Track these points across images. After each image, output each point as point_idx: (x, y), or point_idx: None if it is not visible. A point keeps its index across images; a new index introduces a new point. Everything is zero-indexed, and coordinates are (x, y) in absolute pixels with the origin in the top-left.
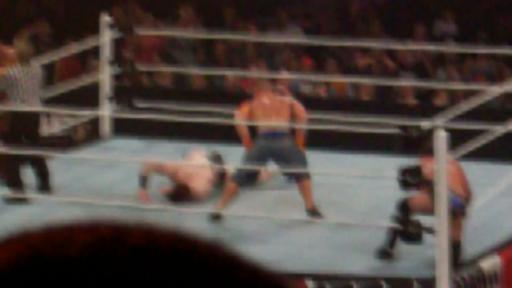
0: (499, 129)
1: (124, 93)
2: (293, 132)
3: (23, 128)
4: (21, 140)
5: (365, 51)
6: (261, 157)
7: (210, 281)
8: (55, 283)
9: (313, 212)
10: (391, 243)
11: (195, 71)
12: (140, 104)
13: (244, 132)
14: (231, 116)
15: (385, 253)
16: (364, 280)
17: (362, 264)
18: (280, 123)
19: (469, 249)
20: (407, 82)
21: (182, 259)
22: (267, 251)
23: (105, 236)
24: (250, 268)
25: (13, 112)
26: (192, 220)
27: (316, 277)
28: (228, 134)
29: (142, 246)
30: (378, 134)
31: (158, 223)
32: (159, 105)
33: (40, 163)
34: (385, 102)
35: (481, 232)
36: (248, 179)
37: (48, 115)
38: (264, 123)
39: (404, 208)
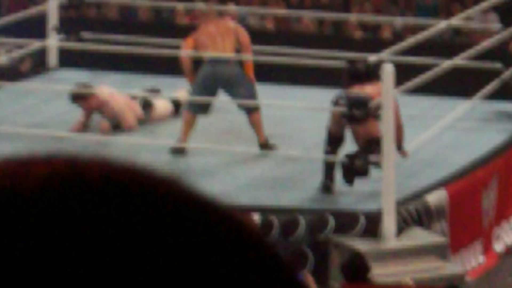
0: (447, 64)
1: (70, 24)
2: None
3: None
4: None
5: None
6: (207, 83)
7: (166, 215)
8: (7, 219)
9: (265, 145)
10: (331, 176)
11: (142, 3)
12: (87, 35)
13: (187, 66)
14: (177, 48)
15: (327, 187)
16: (310, 214)
17: (309, 197)
18: (226, 50)
19: (415, 183)
20: (354, 16)
21: (139, 194)
22: (214, 184)
23: (61, 170)
24: (206, 202)
25: None
26: (147, 153)
27: (263, 210)
28: (174, 66)
29: (99, 181)
30: (325, 67)
31: (115, 157)
32: (105, 37)
33: None
34: (332, 35)
35: (427, 166)
36: (201, 107)
37: None
38: (208, 50)
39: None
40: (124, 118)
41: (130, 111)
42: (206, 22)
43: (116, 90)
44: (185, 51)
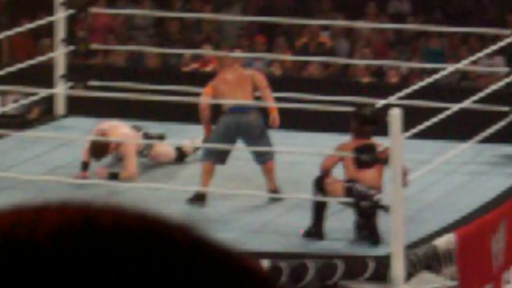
0: (454, 107)
1: (78, 72)
2: (259, 107)
3: None
4: None
5: (304, 29)
6: (229, 133)
7: (179, 263)
8: (21, 266)
9: (275, 193)
10: (317, 220)
11: (149, 50)
12: (94, 82)
13: (205, 115)
14: (186, 94)
15: (313, 232)
16: (319, 259)
17: (317, 243)
18: (245, 97)
19: (424, 227)
20: (360, 60)
21: (151, 241)
22: (224, 231)
23: (74, 218)
24: (218, 250)
25: None
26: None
27: (272, 256)
28: (183, 113)
29: (111, 229)
30: (332, 112)
31: (127, 204)
32: (113, 84)
33: None
34: (338, 80)
35: (435, 210)
36: (220, 156)
37: (1, 94)
38: (228, 98)
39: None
40: (129, 162)
41: (135, 157)
42: (223, 70)
43: (124, 125)
44: (205, 99)
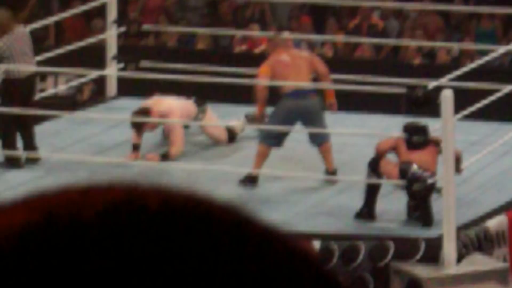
0: (506, 89)
1: (129, 53)
2: (316, 89)
3: (16, 91)
4: (14, 103)
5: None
6: (289, 117)
7: (226, 244)
8: (66, 249)
9: (333, 174)
10: (369, 202)
11: (200, 31)
12: (146, 64)
13: (262, 95)
14: (236, 76)
15: (365, 213)
16: (371, 241)
17: (369, 224)
18: (303, 80)
19: (475, 209)
20: (411, 41)
21: (197, 223)
22: (277, 212)
23: (119, 199)
24: (264, 230)
25: (5, 76)
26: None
27: (323, 237)
28: (233, 94)
29: (156, 210)
30: (384, 93)
31: (173, 185)
32: (164, 65)
33: (26, 127)
34: (389, 61)
35: (487, 191)
36: (277, 139)
37: (55, 75)
38: (288, 81)
39: (405, 170)
40: (175, 135)
41: (181, 128)
42: (277, 51)
43: (172, 99)
44: (263, 78)
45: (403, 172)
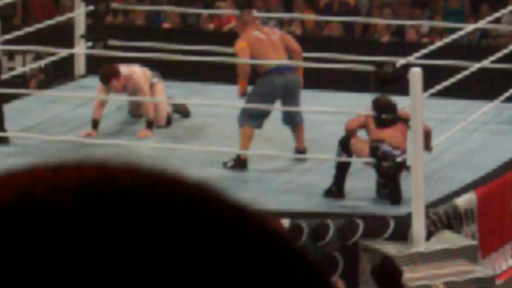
0: (475, 66)
1: (97, 32)
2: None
3: None
4: None
5: None
6: (274, 93)
7: (197, 221)
8: (38, 229)
9: (302, 153)
10: (339, 180)
11: (169, 9)
12: (114, 42)
13: (245, 73)
14: (204, 54)
15: (334, 191)
16: (340, 219)
17: (338, 202)
18: (282, 57)
19: (444, 186)
20: (380, 19)
21: (169, 200)
22: (246, 190)
23: (90, 177)
24: (235, 208)
25: None
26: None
27: (292, 215)
28: (202, 72)
29: (128, 188)
30: (353, 71)
31: (145, 162)
32: (132, 44)
33: None
34: (358, 39)
35: (455, 169)
36: (259, 120)
37: (23, 54)
38: (267, 58)
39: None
40: (143, 90)
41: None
42: (248, 29)
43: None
44: (244, 56)
45: (374, 150)
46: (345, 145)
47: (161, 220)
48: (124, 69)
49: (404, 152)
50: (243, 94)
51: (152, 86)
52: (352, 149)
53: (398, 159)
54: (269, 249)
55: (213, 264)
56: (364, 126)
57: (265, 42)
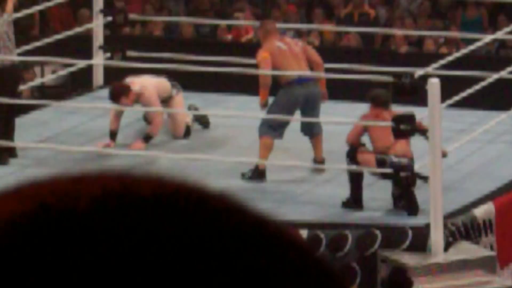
0: (492, 77)
1: (116, 43)
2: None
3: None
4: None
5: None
6: (294, 105)
7: (219, 231)
8: (59, 239)
9: (321, 164)
10: (355, 191)
11: (186, 20)
12: (132, 53)
13: (267, 83)
14: (222, 64)
15: (353, 202)
16: (358, 229)
17: (356, 213)
18: (304, 68)
19: (462, 197)
20: (398, 30)
21: (191, 211)
22: (265, 201)
23: (113, 188)
24: (257, 218)
25: None
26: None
27: (310, 226)
28: (220, 83)
29: (150, 199)
30: (371, 82)
31: (167, 174)
32: (150, 55)
33: (7, 119)
34: (375, 50)
35: (473, 179)
36: (279, 130)
37: (41, 65)
38: (289, 69)
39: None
40: (153, 113)
41: (157, 102)
42: (270, 38)
43: (145, 77)
44: (266, 66)
45: (381, 161)
46: (352, 157)
47: (181, 230)
48: (136, 84)
49: (411, 160)
50: (264, 104)
51: (171, 98)
52: (359, 160)
53: (415, 170)
54: (289, 258)
55: (234, 275)
56: (364, 133)
57: (287, 53)
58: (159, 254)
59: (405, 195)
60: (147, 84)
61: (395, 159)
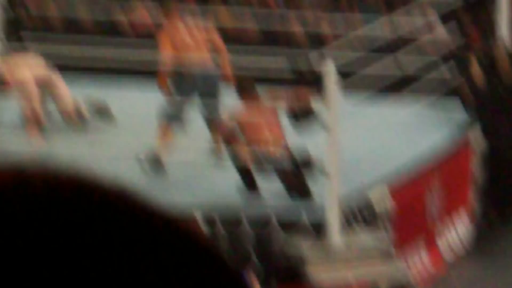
0: (390, 61)
1: (10, 25)
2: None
3: None
4: None
5: None
6: (196, 89)
7: (113, 226)
8: None
9: (219, 150)
10: (248, 180)
11: (85, 9)
12: (27, 35)
13: (168, 67)
14: (119, 48)
15: (249, 189)
16: (254, 216)
17: (252, 201)
18: (204, 52)
19: (359, 182)
20: (294, 12)
21: (84, 204)
22: (159, 184)
23: (4, 182)
24: (155, 213)
25: None
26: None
27: (205, 209)
28: (116, 67)
29: (43, 193)
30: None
31: (59, 166)
32: (46, 36)
33: None
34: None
35: (370, 165)
36: (180, 116)
37: None
38: (189, 53)
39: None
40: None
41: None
42: (171, 23)
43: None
44: (166, 52)
45: (254, 154)
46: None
47: (76, 225)
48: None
49: (284, 144)
50: (166, 89)
51: (48, 79)
52: (237, 152)
53: (310, 157)
54: (188, 251)
55: (122, 264)
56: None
57: (188, 37)
58: (51, 250)
59: (298, 182)
60: (26, 74)
61: (263, 151)
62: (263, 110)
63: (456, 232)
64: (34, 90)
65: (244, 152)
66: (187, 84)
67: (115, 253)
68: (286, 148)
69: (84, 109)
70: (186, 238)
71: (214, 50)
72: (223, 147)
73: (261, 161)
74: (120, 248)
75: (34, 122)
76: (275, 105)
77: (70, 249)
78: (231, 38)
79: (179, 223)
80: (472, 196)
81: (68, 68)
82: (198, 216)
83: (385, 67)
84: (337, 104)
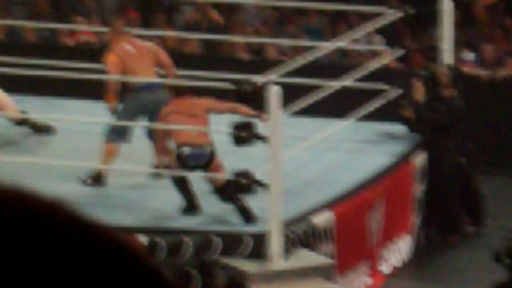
0: (333, 85)
1: None
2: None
3: None
4: None
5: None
6: (142, 111)
7: (51, 239)
8: None
9: (159, 168)
10: (188, 197)
11: (29, 25)
12: None
13: (115, 88)
14: (65, 69)
15: (191, 208)
16: (195, 235)
17: (195, 219)
18: (151, 72)
19: (301, 204)
20: (242, 37)
21: (22, 219)
22: (101, 207)
23: None
24: (91, 226)
25: None
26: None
27: (150, 232)
28: (63, 88)
29: None
30: (211, 88)
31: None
32: None
33: None
34: (216, 56)
35: (313, 187)
36: (124, 135)
37: None
38: (137, 74)
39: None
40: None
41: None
42: (119, 40)
43: None
44: (114, 71)
45: (179, 156)
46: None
47: (12, 241)
48: None
49: (210, 144)
50: (114, 110)
51: None
52: (172, 162)
53: (254, 176)
54: (124, 266)
55: (55, 279)
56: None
57: (135, 56)
58: None
59: (237, 202)
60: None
61: (190, 152)
62: (191, 104)
63: (399, 254)
64: None
65: (172, 159)
66: (137, 105)
67: (45, 267)
68: (211, 144)
69: (29, 122)
70: (124, 253)
71: (162, 67)
72: (161, 162)
73: (188, 159)
74: (57, 262)
75: None
76: (208, 105)
77: None
78: (177, 61)
79: (119, 238)
80: (414, 219)
81: (14, 89)
82: (143, 240)
83: (329, 92)
84: (280, 128)
